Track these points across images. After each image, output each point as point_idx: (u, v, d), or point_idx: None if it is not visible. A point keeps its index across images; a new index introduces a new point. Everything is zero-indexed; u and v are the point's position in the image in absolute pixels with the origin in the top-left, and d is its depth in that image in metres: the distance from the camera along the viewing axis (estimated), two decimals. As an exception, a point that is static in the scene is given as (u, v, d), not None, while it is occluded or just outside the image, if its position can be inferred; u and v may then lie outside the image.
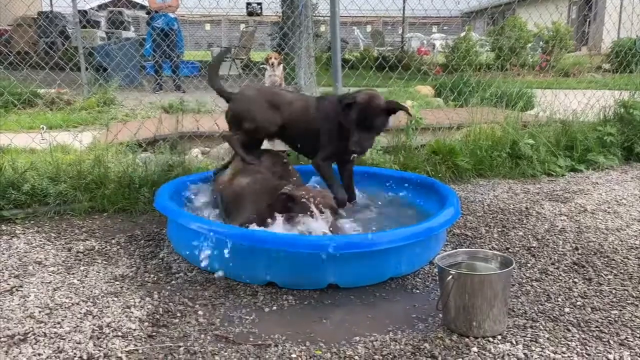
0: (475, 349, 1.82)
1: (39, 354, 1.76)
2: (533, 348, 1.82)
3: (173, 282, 2.31)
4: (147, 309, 2.07)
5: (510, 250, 2.71)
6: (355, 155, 2.81)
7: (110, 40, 12.19)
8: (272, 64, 8.10)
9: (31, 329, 1.91)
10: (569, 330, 1.94)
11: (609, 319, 2.02)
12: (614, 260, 2.58)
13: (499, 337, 1.89)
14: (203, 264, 2.31)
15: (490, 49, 12.71)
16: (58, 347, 1.80)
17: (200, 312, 2.05)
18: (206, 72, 8.03)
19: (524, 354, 1.79)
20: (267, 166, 2.80)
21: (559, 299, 2.18)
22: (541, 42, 13.03)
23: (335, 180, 2.85)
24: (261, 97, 2.88)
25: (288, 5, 9.77)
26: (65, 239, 2.81)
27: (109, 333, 1.89)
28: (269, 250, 2.18)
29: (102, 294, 2.18)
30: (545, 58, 11.85)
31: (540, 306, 2.12)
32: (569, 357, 1.78)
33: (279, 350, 1.80)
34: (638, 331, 1.94)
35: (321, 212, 2.40)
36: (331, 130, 2.77)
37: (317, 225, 2.38)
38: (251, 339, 1.87)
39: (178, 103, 6.56)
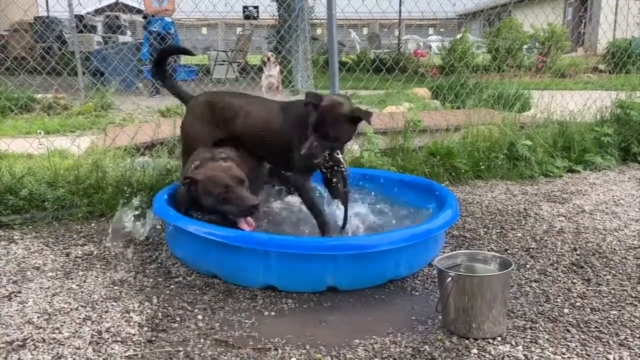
0: (475, 350, 1.82)
1: (38, 360, 1.76)
2: (533, 349, 1.82)
3: (172, 286, 2.31)
4: (147, 313, 2.06)
5: (509, 251, 2.71)
6: (340, 170, 2.64)
7: (107, 45, 12.18)
8: (268, 62, 8.06)
9: (30, 334, 1.90)
10: (568, 331, 1.94)
11: (608, 319, 2.03)
12: (612, 260, 2.59)
13: (499, 338, 1.89)
14: None
15: (486, 51, 12.75)
16: (57, 353, 1.79)
17: (199, 316, 2.05)
18: (199, 74, 8.03)
19: (524, 355, 1.79)
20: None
21: (558, 300, 2.18)
22: (537, 44, 13.07)
23: (315, 203, 2.60)
24: (206, 108, 2.72)
25: (285, 9, 9.80)
26: (64, 244, 2.80)
27: (108, 338, 1.88)
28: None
29: (101, 299, 2.18)
30: (542, 59, 11.89)
31: (539, 307, 2.12)
32: (568, 357, 1.78)
33: (279, 354, 1.80)
34: (637, 331, 1.94)
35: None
36: (301, 139, 2.50)
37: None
38: (251, 343, 1.87)
39: (175, 107, 6.56)
